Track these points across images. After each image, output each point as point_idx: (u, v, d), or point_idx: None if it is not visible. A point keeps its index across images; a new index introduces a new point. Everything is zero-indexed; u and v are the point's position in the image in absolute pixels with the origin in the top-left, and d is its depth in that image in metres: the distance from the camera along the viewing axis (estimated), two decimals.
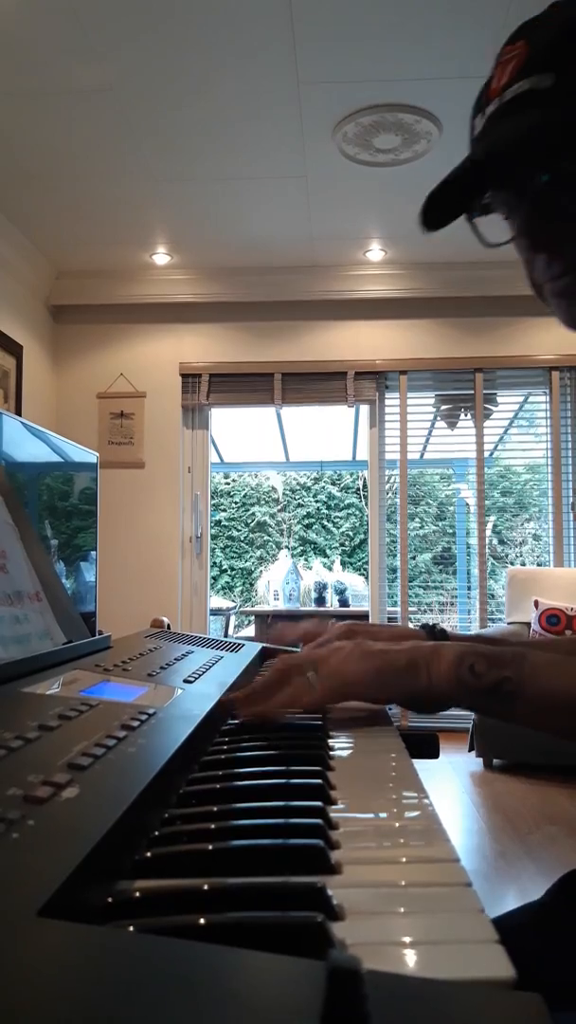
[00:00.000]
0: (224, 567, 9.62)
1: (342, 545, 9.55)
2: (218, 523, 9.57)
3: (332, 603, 5.83)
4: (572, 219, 0.65)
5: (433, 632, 0.84)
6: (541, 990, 0.24)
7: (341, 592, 5.88)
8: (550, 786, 3.50)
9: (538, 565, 6.07)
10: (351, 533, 9.59)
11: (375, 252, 4.43)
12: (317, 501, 9.79)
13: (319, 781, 0.51)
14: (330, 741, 0.64)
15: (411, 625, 4.74)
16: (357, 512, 9.57)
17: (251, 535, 9.73)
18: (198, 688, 0.73)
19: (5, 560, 0.78)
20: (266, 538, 9.69)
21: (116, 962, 0.25)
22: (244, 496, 9.84)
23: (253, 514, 9.76)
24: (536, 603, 4.16)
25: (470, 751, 3.87)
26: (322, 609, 5.74)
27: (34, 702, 0.59)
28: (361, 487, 9.40)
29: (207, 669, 0.85)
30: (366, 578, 5.70)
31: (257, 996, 0.23)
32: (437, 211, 0.69)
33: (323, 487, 9.82)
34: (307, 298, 4.69)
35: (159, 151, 3.38)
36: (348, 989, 0.22)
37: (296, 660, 0.71)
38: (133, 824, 0.39)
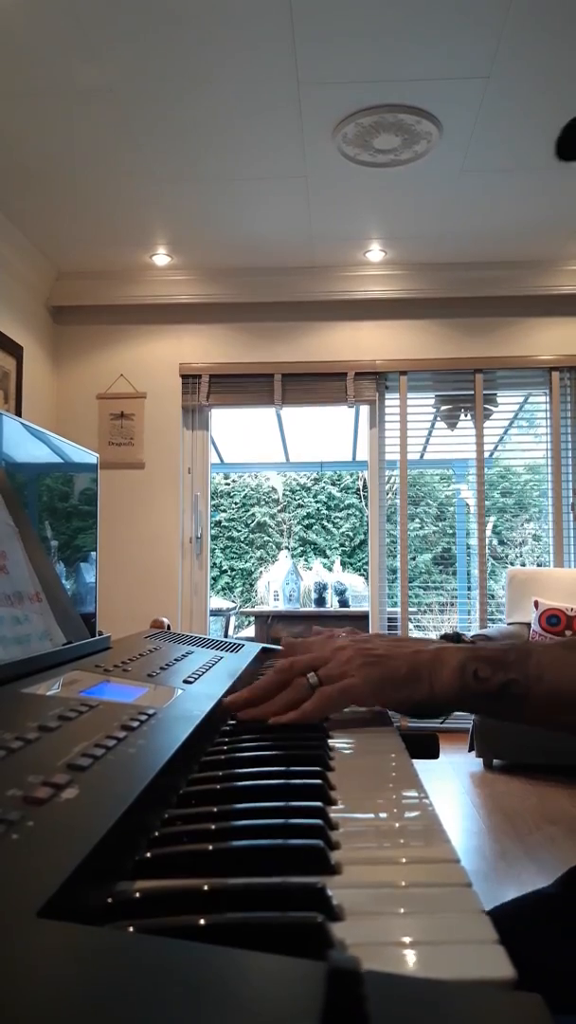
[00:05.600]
0: (224, 567, 9.62)
1: (342, 546, 9.54)
2: (218, 524, 9.57)
3: (332, 604, 5.83)
4: None
5: (457, 643, 0.78)
6: (548, 983, 0.24)
7: (341, 593, 5.88)
8: (550, 786, 3.50)
9: (538, 565, 6.07)
10: (351, 533, 9.58)
11: (375, 252, 4.43)
12: (317, 501, 9.78)
13: (319, 781, 0.51)
14: (330, 741, 0.64)
15: (411, 627, 4.62)
16: (357, 512, 9.57)
17: (251, 536, 9.73)
18: (198, 689, 0.73)
19: (5, 561, 0.78)
20: (266, 539, 9.69)
21: (116, 963, 0.25)
22: (244, 497, 9.83)
23: (253, 515, 9.75)
24: (536, 603, 4.16)
25: (470, 751, 3.87)
26: (322, 609, 5.73)
27: (34, 703, 0.58)
28: (361, 487, 9.39)
29: (207, 670, 0.85)
30: (366, 579, 5.70)
31: (257, 997, 0.23)
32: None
33: (323, 487, 9.81)
34: (307, 298, 4.69)
35: (159, 151, 3.38)
36: (348, 989, 0.22)
37: (298, 663, 0.71)
38: (133, 825, 0.39)
